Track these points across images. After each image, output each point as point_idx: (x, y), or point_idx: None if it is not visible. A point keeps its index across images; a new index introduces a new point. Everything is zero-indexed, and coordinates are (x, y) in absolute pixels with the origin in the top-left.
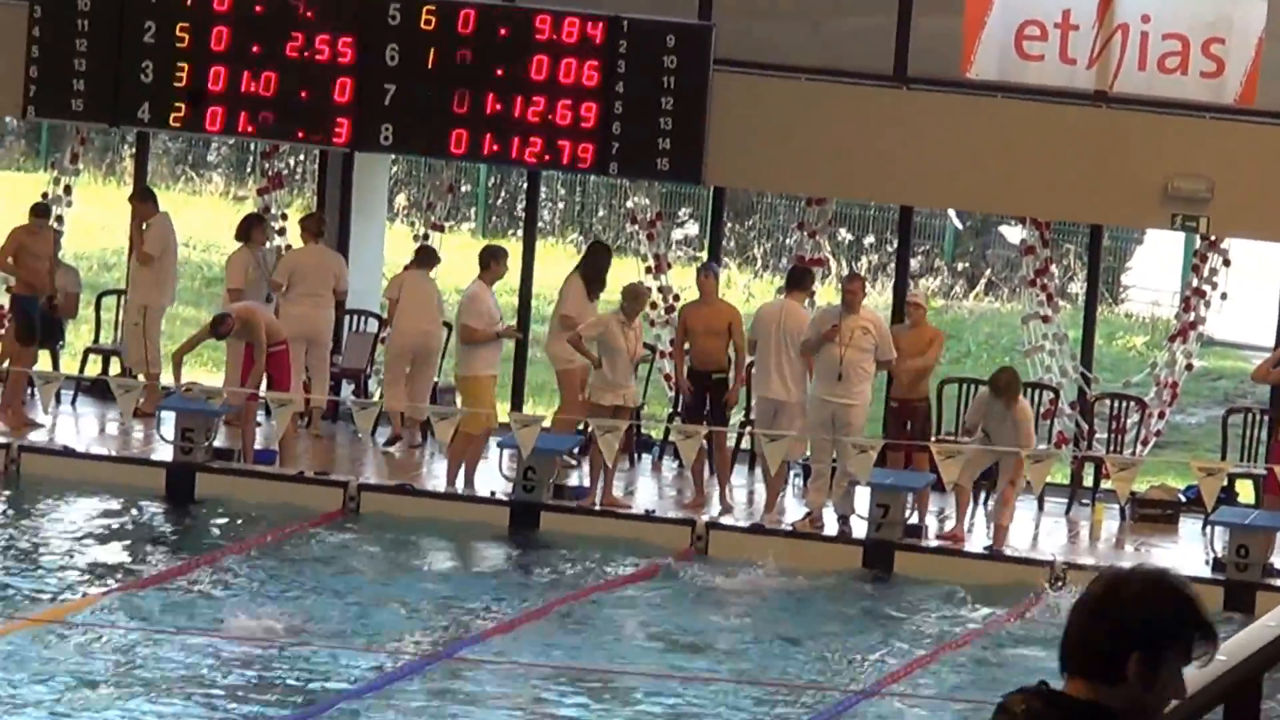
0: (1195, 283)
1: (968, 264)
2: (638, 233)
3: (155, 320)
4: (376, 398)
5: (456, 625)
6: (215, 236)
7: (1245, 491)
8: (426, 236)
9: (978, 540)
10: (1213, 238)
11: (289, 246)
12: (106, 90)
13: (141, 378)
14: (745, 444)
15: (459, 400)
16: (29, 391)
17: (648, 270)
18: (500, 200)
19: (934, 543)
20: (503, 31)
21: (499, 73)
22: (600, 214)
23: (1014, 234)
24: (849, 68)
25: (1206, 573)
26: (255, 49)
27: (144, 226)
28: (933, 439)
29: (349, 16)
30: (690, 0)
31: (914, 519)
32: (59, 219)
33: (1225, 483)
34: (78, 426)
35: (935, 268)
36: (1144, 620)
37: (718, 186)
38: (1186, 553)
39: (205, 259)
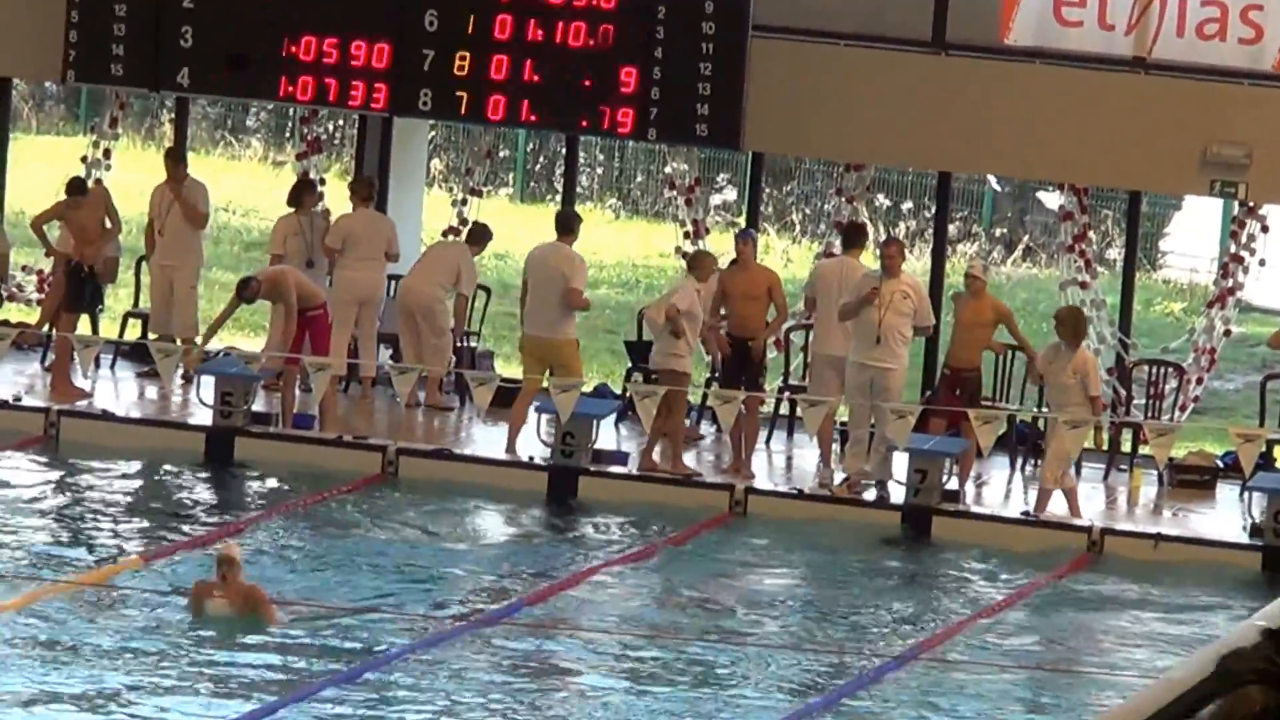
0: (1233, 249)
1: (1006, 229)
2: (676, 198)
3: (197, 284)
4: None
5: (494, 590)
6: (254, 201)
7: None
8: (464, 202)
9: (1015, 505)
10: (1251, 204)
11: (328, 211)
12: (146, 55)
13: (180, 342)
14: (783, 409)
15: (540, 366)
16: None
17: (685, 235)
18: (538, 166)
19: (972, 507)
20: None
21: (538, 38)
22: (638, 179)
23: (1052, 200)
24: (888, 33)
25: (1244, 538)
26: (295, 14)
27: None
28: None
29: None
30: None
31: (952, 484)
32: (98, 182)
33: (1263, 448)
34: (117, 391)
35: (973, 233)
36: None
37: (756, 152)
38: (1224, 518)
39: (244, 224)
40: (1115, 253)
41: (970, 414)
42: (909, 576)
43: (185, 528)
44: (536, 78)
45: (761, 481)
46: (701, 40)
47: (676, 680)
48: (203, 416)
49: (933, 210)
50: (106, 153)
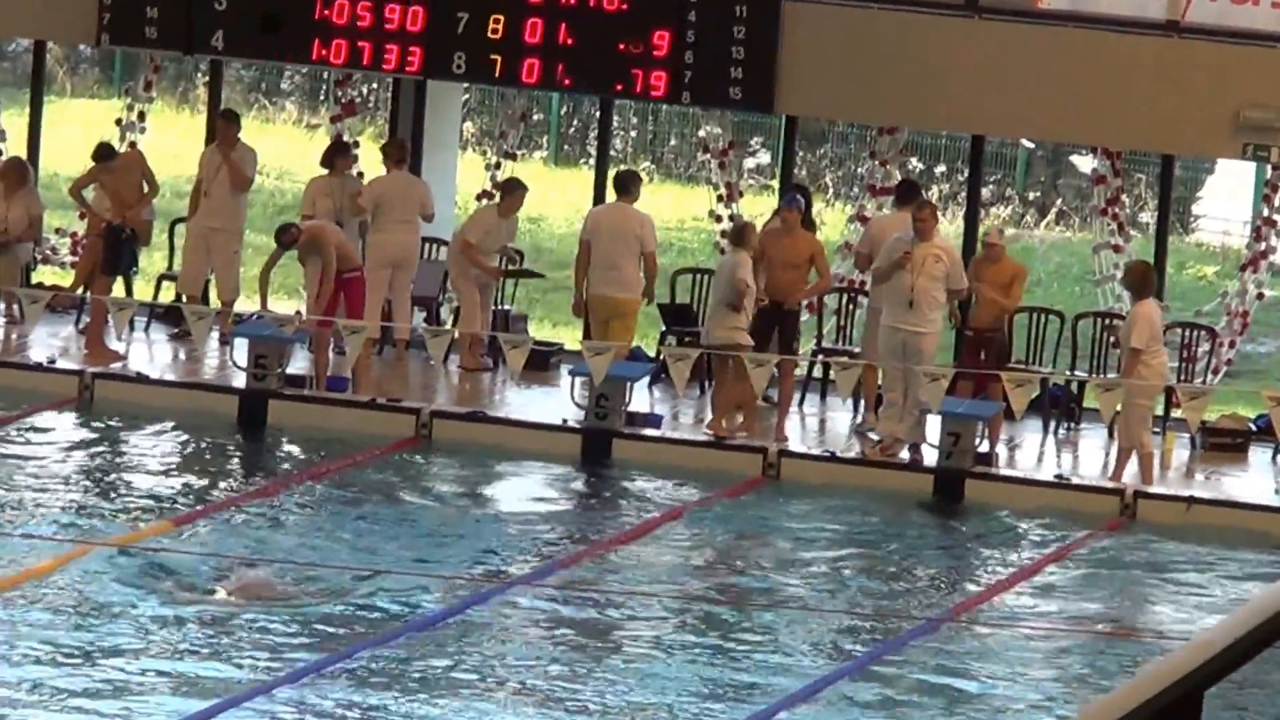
0: (1266, 212)
1: (1039, 193)
2: (709, 162)
3: (240, 248)
4: (449, 325)
5: (527, 553)
6: (288, 164)
7: None
8: (498, 165)
9: (1048, 468)
10: None
11: (361, 175)
12: (180, 18)
13: (220, 305)
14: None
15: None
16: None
17: (719, 199)
18: (572, 129)
19: (1004, 470)
20: None
21: (571, 1)
22: (672, 143)
23: (1085, 163)
24: None
25: (1277, 501)
26: None
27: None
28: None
29: None
30: None
31: (985, 447)
32: (132, 145)
33: None
34: (151, 353)
35: (1006, 197)
36: None
37: (790, 115)
38: (1256, 481)
39: (278, 186)
40: (1148, 216)
41: (1003, 376)
42: (941, 540)
43: (218, 490)
44: (570, 41)
45: (795, 444)
46: (735, 3)
47: (708, 642)
48: (237, 379)
49: (966, 174)
50: (141, 115)
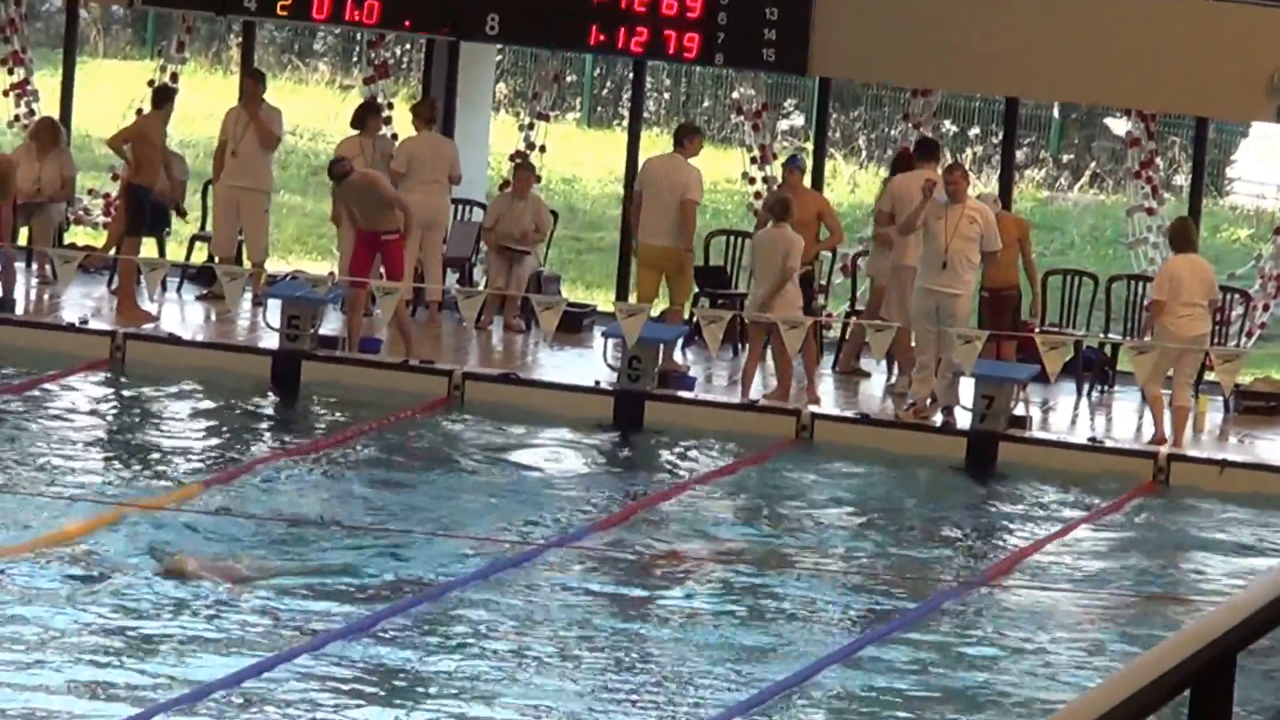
0: None
1: (1072, 156)
2: (743, 123)
3: (268, 208)
4: (481, 287)
5: (559, 515)
6: (321, 125)
7: None
8: (531, 127)
9: (1082, 431)
10: None
11: (395, 135)
12: None
13: (250, 266)
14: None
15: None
16: (136, 280)
17: (752, 161)
18: (605, 90)
19: (1038, 433)
20: None
21: None
22: (705, 105)
23: (1119, 126)
24: None
25: None
26: None
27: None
28: (1038, 330)
29: None
30: None
31: (1019, 410)
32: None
33: None
34: (183, 314)
35: (1040, 159)
36: None
37: (823, 77)
38: None
39: (311, 147)
40: (1182, 179)
41: (1037, 339)
42: (975, 502)
43: (250, 451)
44: (603, 1)
45: (828, 406)
46: None
47: (740, 605)
48: (270, 340)
49: (1000, 136)
50: (174, 77)
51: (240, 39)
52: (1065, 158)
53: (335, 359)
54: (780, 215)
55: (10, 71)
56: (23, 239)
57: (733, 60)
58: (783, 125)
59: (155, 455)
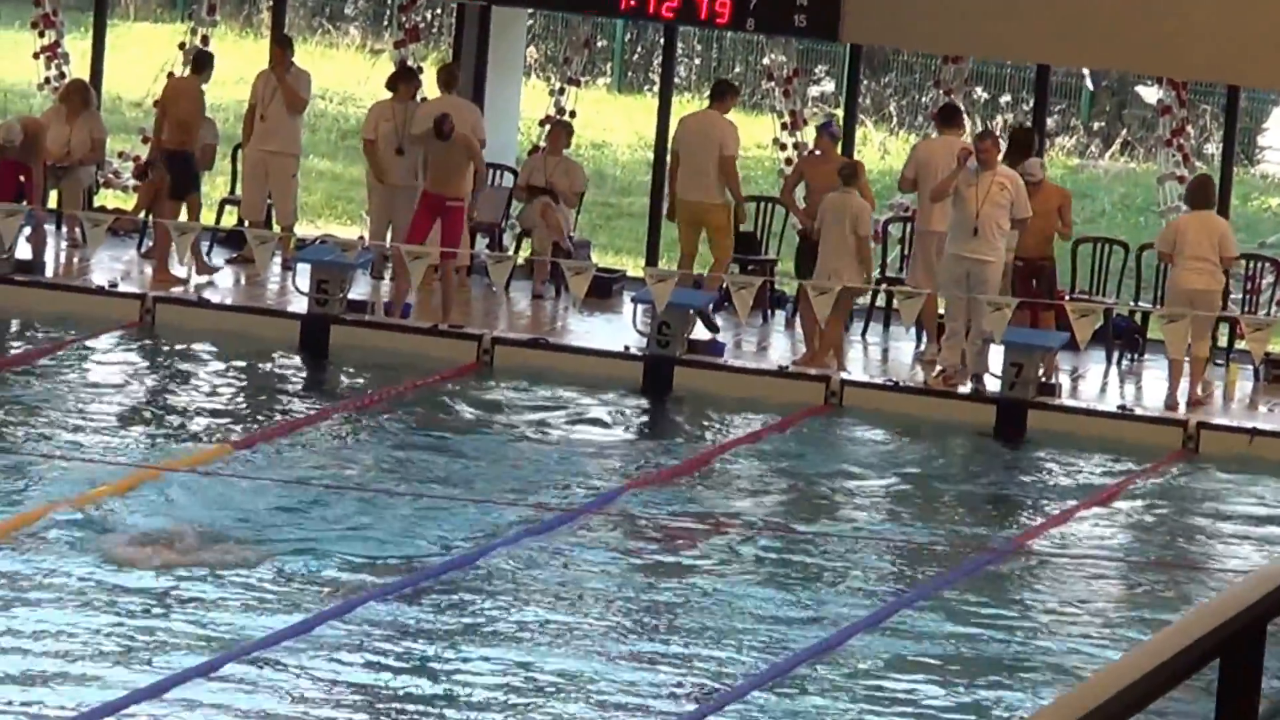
0: None
1: (1104, 124)
2: (774, 89)
3: (297, 172)
4: (511, 251)
5: (588, 481)
6: (352, 89)
7: None
8: (562, 91)
9: (1111, 399)
10: None
11: (425, 99)
12: None
13: (279, 230)
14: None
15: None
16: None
17: (783, 127)
18: (636, 55)
19: (1067, 401)
20: None
21: None
22: (736, 70)
23: (1150, 94)
24: None
25: None
26: None
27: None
28: (1068, 297)
29: None
30: None
31: (1055, 379)
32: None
33: None
34: (213, 278)
35: (1071, 127)
36: None
37: (854, 43)
38: None
39: (342, 111)
40: (1213, 147)
41: (1067, 307)
42: (1003, 470)
43: (279, 415)
44: None
45: (857, 373)
46: None
47: (769, 570)
48: (299, 304)
49: (1031, 104)
50: (204, 40)
51: (271, 3)
52: (1096, 125)
53: (364, 323)
54: (848, 179)
55: (41, 34)
56: (52, 202)
57: (764, 26)
58: (813, 91)
59: (184, 417)
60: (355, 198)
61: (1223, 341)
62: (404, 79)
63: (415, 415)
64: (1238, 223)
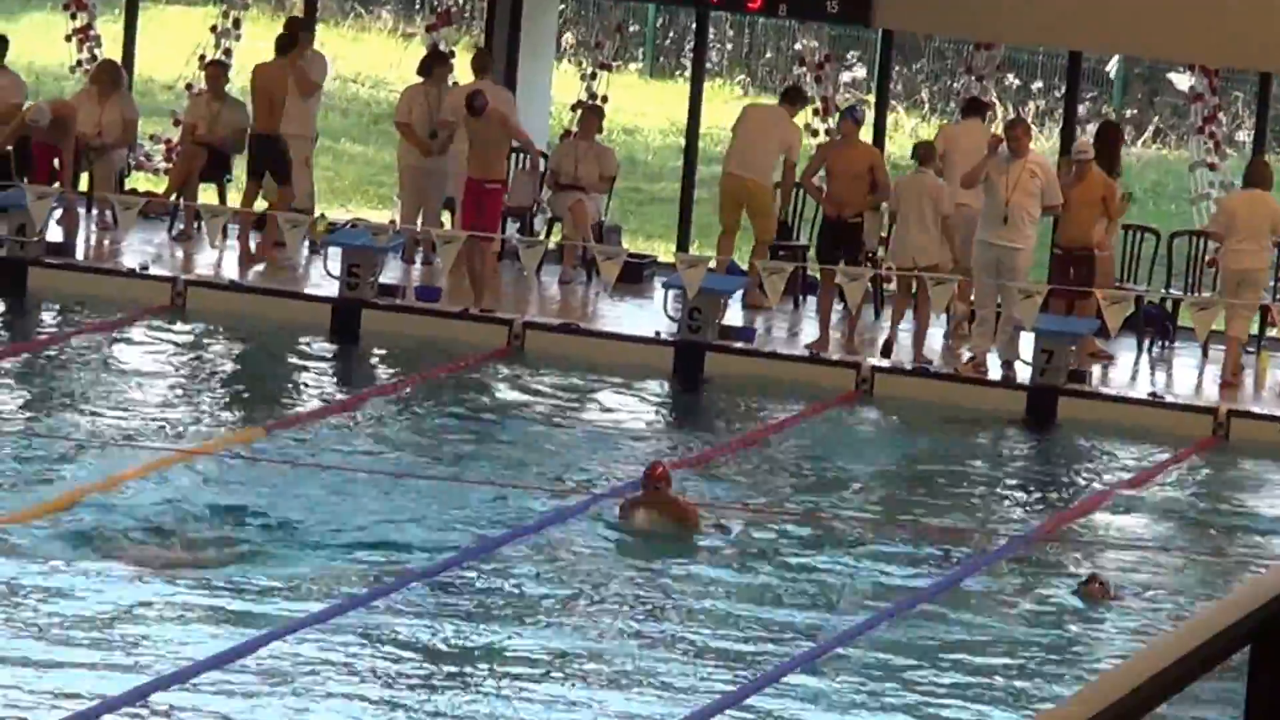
0: None
1: (1135, 111)
2: (805, 75)
3: (310, 156)
4: (542, 236)
5: (617, 466)
6: (383, 73)
7: None
8: (594, 76)
9: (1142, 386)
10: None
11: (457, 84)
12: None
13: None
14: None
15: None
16: (197, 226)
17: (815, 113)
18: (668, 41)
19: (1097, 388)
20: None
21: None
22: (768, 56)
23: (1182, 81)
24: None
25: None
26: None
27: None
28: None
29: None
30: None
31: (1078, 365)
32: (227, 52)
33: None
34: (242, 260)
35: (1103, 114)
36: None
37: (886, 29)
38: None
39: (373, 95)
40: (1245, 135)
41: (1098, 294)
42: (1034, 457)
43: (309, 399)
44: None
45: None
46: None
47: (799, 559)
48: (330, 288)
49: (1062, 90)
50: (236, 23)
51: None
52: (1128, 113)
53: (395, 307)
54: (924, 159)
55: (73, 17)
56: (84, 184)
57: (796, 11)
58: (845, 77)
59: (215, 400)
60: (386, 181)
61: (1254, 329)
62: (437, 62)
63: (445, 399)
64: None
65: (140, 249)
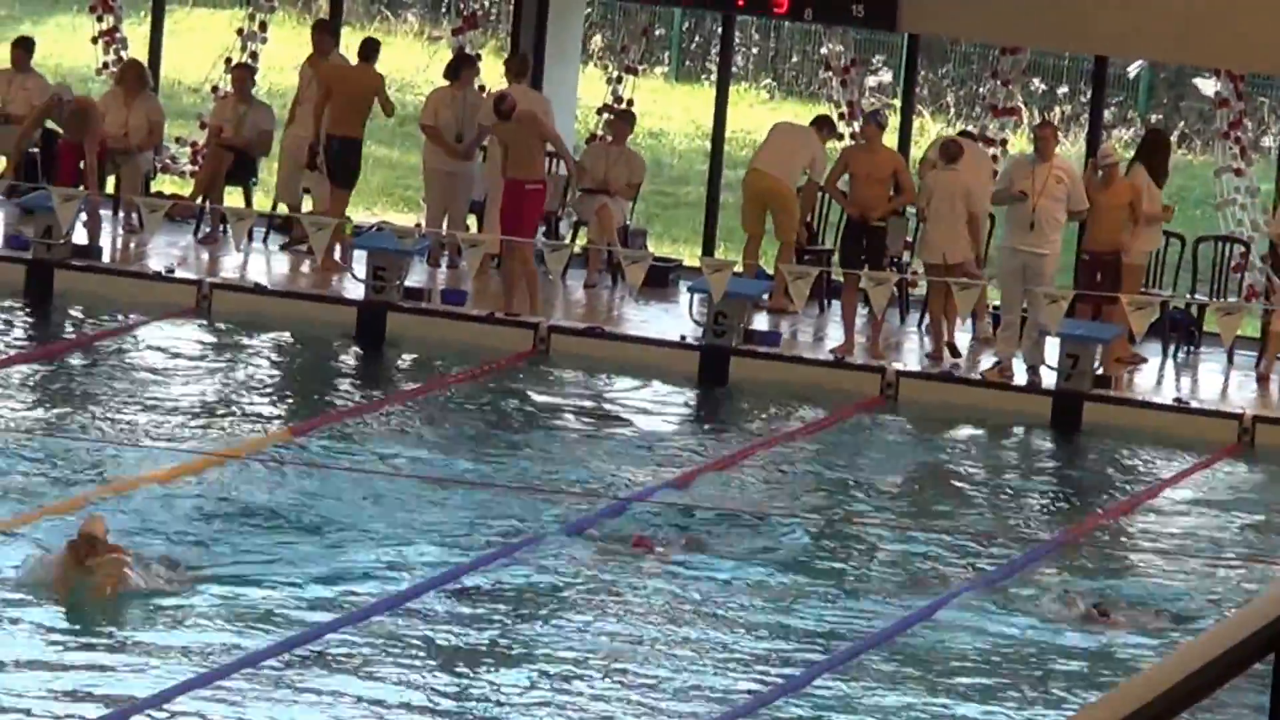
0: None
1: (1161, 116)
2: (831, 79)
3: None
4: (568, 239)
5: (642, 470)
6: (409, 76)
7: None
8: (619, 80)
9: (1167, 392)
10: None
11: (483, 88)
12: None
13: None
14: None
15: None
16: (223, 229)
17: (840, 116)
18: (694, 44)
19: (1123, 394)
20: None
21: None
22: (794, 60)
23: (1208, 86)
24: None
25: None
26: None
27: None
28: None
29: None
30: None
31: (1103, 370)
32: (253, 55)
33: None
34: (268, 264)
35: (1128, 119)
36: None
37: (912, 33)
38: None
39: (399, 99)
40: (1270, 140)
41: (1123, 299)
42: (1059, 462)
43: (334, 402)
44: None
45: (911, 364)
46: None
47: (823, 563)
48: (356, 291)
49: (1088, 95)
50: (262, 25)
51: None
52: (1154, 117)
53: (421, 310)
54: (953, 157)
55: (99, 19)
56: (110, 187)
57: (822, 15)
58: (871, 81)
59: (240, 403)
60: (412, 184)
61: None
62: (465, 65)
63: (470, 403)
64: None
65: (166, 252)
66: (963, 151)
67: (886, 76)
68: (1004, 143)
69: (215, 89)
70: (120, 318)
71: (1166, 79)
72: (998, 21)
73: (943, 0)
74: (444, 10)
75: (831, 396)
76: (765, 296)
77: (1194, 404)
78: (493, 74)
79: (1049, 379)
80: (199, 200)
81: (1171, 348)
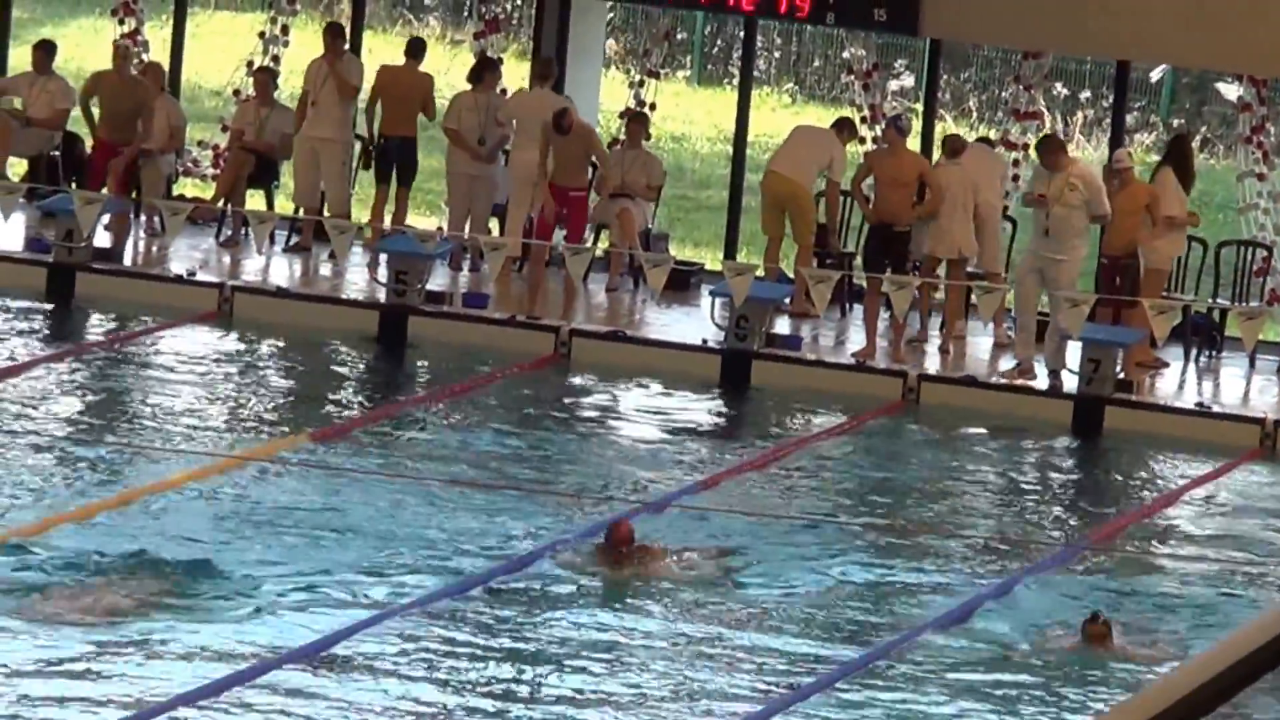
0: None
1: (1183, 120)
2: (853, 83)
3: (349, 161)
4: (590, 243)
5: (663, 474)
6: None
7: None
8: (641, 84)
9: (1189, 396)
10: None
11: (504, 91)
12: None
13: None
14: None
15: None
16: (245, 232)
17: (862, 120)
18: (716, 48)
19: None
20: None
21: None
22: (816, 64)
23: (1231, 91)
24: None
25: None
26: None
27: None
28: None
29: None
30: None
31: (1125, 375)
32: (275, 59)
33: None
34: (290, 267)
35: (1150, 123)
36: None
37: (934, 38)
38: None
39: None
40: None
41: (1144, 304)
42: (1081, 466)
43: (355, 406)
44: None
45: (933, 368)
46: None
47: (844, 566)
48: (378, 294)
49: (1110, 99)
50: (285, 29)
51: None
52: (1176, 122)
53: (442, 314)
54: (954, 152)
55: (121, 22)
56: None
57: (844, 19)
58: (893, 86)
59: (261, 407)
60: (433, 189)
61: None
62: (488, 69)
63: (492, 407)
64: None
65: (187, 255)
66: (965, 146)
67: (909, 81)
68: (1026, 147)
69: (237, 92)
70: (142, 321)
71: (1189, 83)
72: (1020, 26)
73: (965, 4)
74: (466, 14)
75: (853, 401)
76: (787, 300)
77: (1216, 408)
78: (514, 77)
79: (1070, 383)
80: (221, 204)
81: (1193, 352)
